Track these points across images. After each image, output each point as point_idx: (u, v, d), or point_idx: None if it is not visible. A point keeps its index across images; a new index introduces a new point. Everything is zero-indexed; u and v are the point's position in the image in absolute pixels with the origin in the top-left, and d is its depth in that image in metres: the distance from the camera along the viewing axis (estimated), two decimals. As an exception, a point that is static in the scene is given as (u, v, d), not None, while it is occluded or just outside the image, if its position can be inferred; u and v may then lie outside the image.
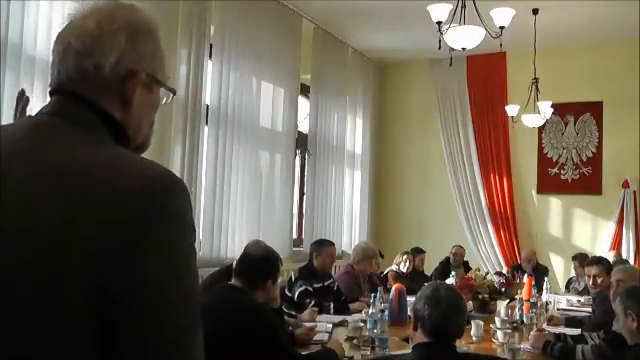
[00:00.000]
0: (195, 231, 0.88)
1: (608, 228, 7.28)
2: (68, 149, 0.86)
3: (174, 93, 1.07)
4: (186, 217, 0.86)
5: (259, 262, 2.83)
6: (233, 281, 2.80)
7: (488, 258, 7.84)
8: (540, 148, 7.80)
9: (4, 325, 0.79)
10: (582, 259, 5.70)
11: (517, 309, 4.23)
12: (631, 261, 6.69)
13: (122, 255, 0.79)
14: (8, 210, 0.81)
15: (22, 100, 1.63)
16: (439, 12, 4.14)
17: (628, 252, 7.04)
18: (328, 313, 4.28)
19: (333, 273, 5.27)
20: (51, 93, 0.96)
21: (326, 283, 4.67)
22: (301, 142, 6.78)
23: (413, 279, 5.86)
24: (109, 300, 0.79)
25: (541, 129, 7.52)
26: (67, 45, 0.92)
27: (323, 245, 4.87)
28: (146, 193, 0.82)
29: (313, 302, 4.28)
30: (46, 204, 0.80)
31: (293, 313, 4.06)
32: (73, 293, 0.78)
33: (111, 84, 0.93)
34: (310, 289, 4.45)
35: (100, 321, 0.79)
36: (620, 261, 5.66)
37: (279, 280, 3.11)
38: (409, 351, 2.37)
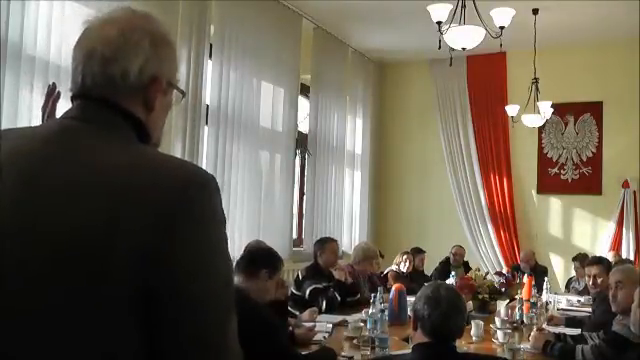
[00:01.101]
0: (226, 223, 0.93)
1: (608, 228, 7.28)
2: (102, 151, 0.89)
3: (184, 95, 1.10)
4: (220, 212, 0.91)
5: (258, 252, 2.88)
6: (233, 281, 2.80)
7: (488, 258, 7.84)
8: (540, 148, 7.80)
9: (51, 324, 0.81)
10: (583, 260, 5.68)
11: (517, 309, 4.22)
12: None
13: (164, 252, 0.82)
14: (51, 210, 0.84)
15: (53, 95, 1.61)
16: (439, 12, 4.14)
17: (628, 252, 7.04)
18: (334, 306, 4.34)
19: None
20: (73, 97, 0.98)
21: (333, 282, 4.67)
22: (301, 142, 6.77)
23: (413, 279, 5.86)
24: (152, 296, 0.82)
25: (541, 129, 7.52)
26: (91, 51, 0.95)
27: (325, 242, 4.91)
28: (183, 191, 0.85)
29: (325, 301, 4.32)
30: (89, 203, 0.83)
31: (296, 313, 4.06)
32: (118, 290, 0.81)
33: (136, 89, 0.96)
34: (320, 287, 4.47)
35: (143, 316, 0.82)
36: (621, 261, 5.64)
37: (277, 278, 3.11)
38: (409, 351, 2.37)
